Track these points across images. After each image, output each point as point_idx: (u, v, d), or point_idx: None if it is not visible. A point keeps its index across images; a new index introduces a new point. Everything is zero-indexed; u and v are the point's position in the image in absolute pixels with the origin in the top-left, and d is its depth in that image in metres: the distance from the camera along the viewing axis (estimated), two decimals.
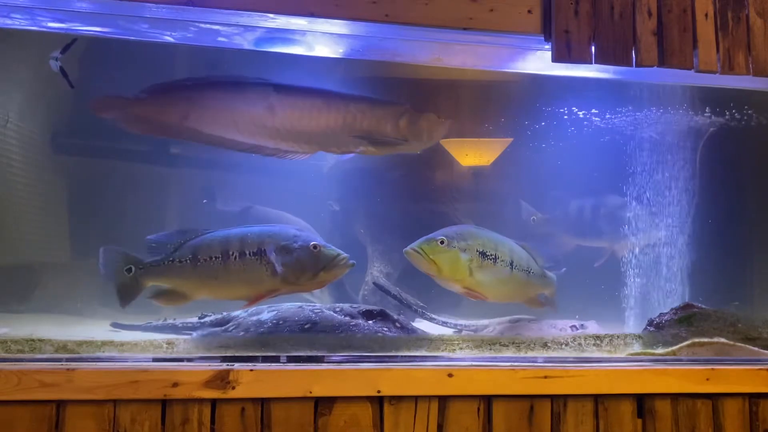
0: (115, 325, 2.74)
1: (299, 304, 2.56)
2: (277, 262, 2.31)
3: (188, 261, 2.31)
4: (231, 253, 2.31)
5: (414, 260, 2.45)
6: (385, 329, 2.43)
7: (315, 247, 2.33)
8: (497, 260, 2.54)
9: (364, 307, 2.60)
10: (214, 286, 2.34)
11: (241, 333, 2.42)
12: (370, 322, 2.48)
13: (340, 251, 2.36)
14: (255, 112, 2.70)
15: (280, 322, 2.41)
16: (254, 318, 2.50)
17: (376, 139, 2.79)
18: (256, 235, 2.34)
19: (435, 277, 2.51)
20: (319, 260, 2.32)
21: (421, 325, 2.89)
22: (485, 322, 2.98)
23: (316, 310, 2.48)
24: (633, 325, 3.32)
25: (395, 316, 2.57)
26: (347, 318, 2.47)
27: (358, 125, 2.77)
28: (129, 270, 2.31)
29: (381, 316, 2.53)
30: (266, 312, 2.52)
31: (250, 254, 2.31)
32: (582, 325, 2.89)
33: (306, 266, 2.32)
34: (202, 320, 2.74)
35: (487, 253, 2.51)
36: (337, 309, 2.54)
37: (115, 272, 2.31)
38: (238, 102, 2.71)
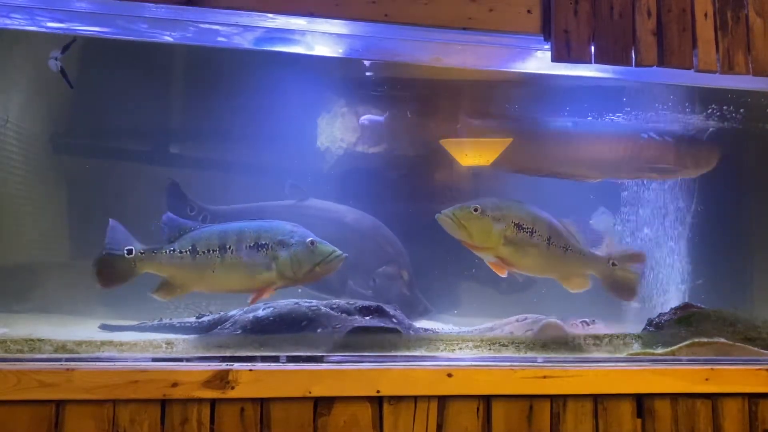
0: (104, 327, 2.73)
1: (295, 300, 2.58)
2: (275, 256, 2.36)
3: (188, 252, 2.35)
4: (228, 246, 2.35)
5: (446, 226, 2.47)
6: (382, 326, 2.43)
7: (312, 243, 2.39)
8: (534, 234, 2.52)
9: (360, 303, 2.60)
10: (211, 278, 2.38)
11: (239, 331, 2.42)
12: (367, 318, 2.49)
13: (335, 248, 2.42)
14: (559, 144, 3.11)
15: (277, 319, 2.43)
16: (250, 315, 2.51)
17: (660, 168, 3.09)
18: (253, 230, 2.39)
19: (466, 244, 2.51)
20: (315, 256, 2.39)
21: (419, 323, 2.89)
22: (489, 324, 2.97)
23: (312, 308, 2.50)
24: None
25: (391, 312, 2.57)
26: (344, 315, 2.48)
27: (644, 155, 3.08)
28: (129, 252, 2.33)
29: (378, 312, 2.54)
30: (262, 309, 2.53)
31: (247, 248, 2.36)
32: (593, 321, 2.87)
33: (303, 261, 2.38)
34: (199, 320, 2.74)
35: (524, 226, 2.51)
36: (334, 306, 2.55)
37: (117, 250, 2.33)
38: (544, 136, 3.13)
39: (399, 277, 3.13)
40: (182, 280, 2.37)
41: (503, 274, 2.56)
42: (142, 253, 2.34)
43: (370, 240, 3.19)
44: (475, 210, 2.45)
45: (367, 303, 2.59)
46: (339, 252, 2.42)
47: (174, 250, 2.35)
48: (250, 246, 2.36)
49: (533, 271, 2.70)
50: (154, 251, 2.35)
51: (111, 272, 2.33)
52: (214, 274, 2.36)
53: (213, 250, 2.35)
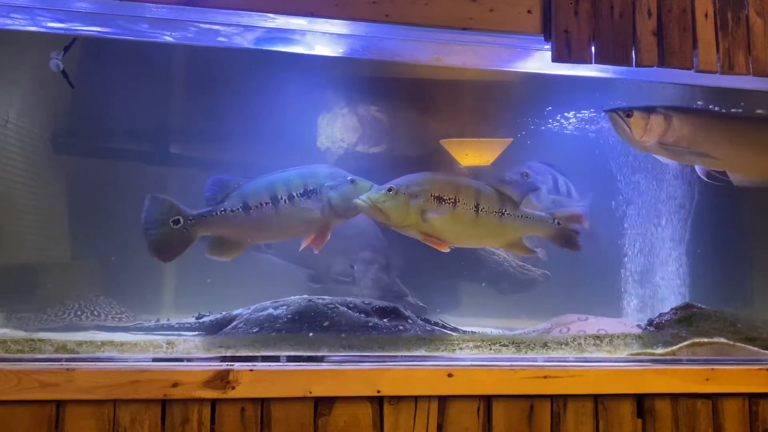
0: (99, 328, 2.72)
1: (307, 297, 2.58)
2: (326, 198, 2.43)
3: (240, 209, 2.40)
4: (280, 196, 2.40)
5: (364, 211, 2.47)
6: (401, 328, 2.43)
7: (352, 181, 2.48)
8: (457, 204, 2.49)
9: (376, 303, 2.60)
10: (268, 229, 2.45)
11: (255, 329, 2.42)
12: (385, 320, 2.49)
13: (370, 182, 2.50)
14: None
15: (296, 318, 2.42)
16: (263, 314, 2.50)
17: None
18: (299, 177, 2.45)
19: (389, 225, 2.51)
20: (359, 191, 2.46)
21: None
22: (545, 325, 2.90)
23: (329, 306, 2.50)
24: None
25: (407, 314, 2.57)
26: (362, 315, 2.48)
27: None
28: (176, 221, 2.35)
29: (394, 313, 2.55)
30: (271, 307, 2.52)
31: (298, 195, 2.42)
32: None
33: (351, 198, 2.44)
34: (199, 320, 2.73)
35: (445, 197, 2.47)
36: (351, 305, 2.55)
37: (160, 223, 2.35)
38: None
39: (375, 261, 3.16)
40: (238, 237, 2.42)
41: (445, 249, 2.50)
42: (191, 220, 2.37)
43: (348, 226, 3.21)
44: (389, 190, 2.43)
45: (383, 303, 2.60)
46: (372, 184, 2.50)
47: (225, 210, 2.39)
48: (300, 193, 2.41)
49: (467, 242, 2.68)
50: (204, 215, 2.39)
51: (167, 247, 2.36)
52: (270, 225, 2.42)
53: (266, 203, 2.39)
